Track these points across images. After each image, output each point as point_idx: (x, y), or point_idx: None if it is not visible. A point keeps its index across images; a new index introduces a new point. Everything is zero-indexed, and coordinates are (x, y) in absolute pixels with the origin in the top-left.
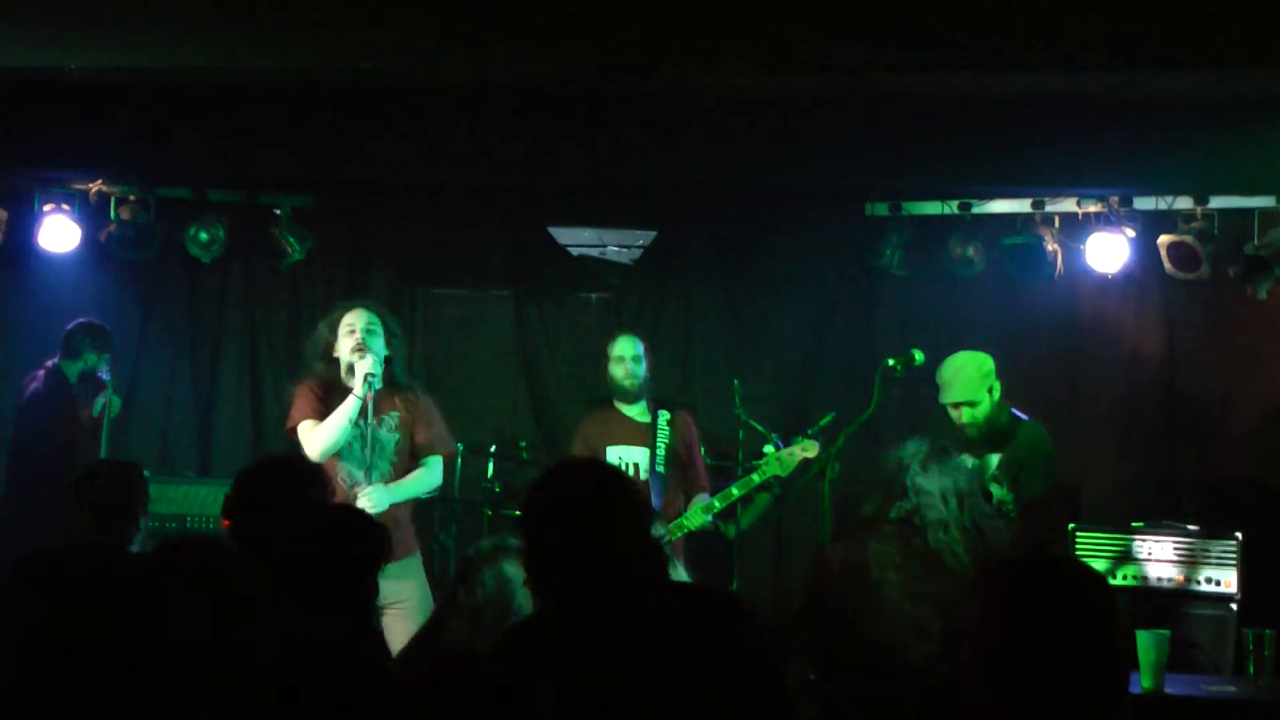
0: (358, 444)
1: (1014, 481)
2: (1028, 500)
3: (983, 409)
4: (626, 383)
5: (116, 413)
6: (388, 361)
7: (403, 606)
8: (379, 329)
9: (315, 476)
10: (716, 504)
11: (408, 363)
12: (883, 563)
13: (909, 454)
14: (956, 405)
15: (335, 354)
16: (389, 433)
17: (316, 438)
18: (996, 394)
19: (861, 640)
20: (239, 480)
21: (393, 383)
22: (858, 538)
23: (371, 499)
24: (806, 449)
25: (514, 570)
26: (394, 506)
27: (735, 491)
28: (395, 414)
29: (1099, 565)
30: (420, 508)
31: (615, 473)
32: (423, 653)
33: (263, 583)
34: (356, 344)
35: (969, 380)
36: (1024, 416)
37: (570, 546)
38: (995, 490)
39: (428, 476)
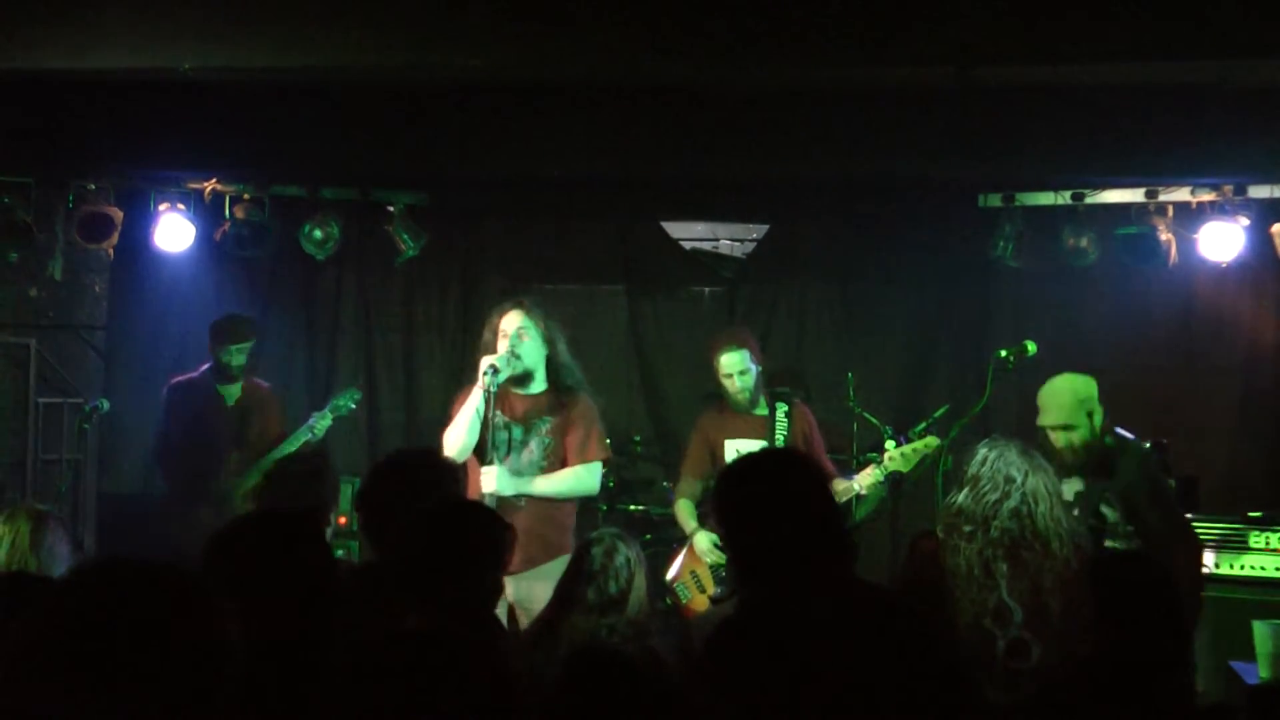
0: (503, 447)
1: (1127, 507)
2: (1176, 524)
3: (1080, 434)
4: (740, 397)
5: (319, 435)
6: (548, 360)
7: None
8: (532, 330)
9: (449, 472)
10: (856, 486)
11: (574, 361)
12: (955, 554)
13: (1001, 448)
14: (1053, 429)
15: None
16: (538, 437)
17: (448, 436)
18: (1098, 420)
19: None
20: (373, 472)
21: (556, 385)
22: (937, 532)
23: (487, 479)
24: (929, 445)
25: (632, 555)
26: (554, 508)
27: (856, 488)
28: (548, 419)
29: (1215, 554)
30: None
31: (813, 466)
32: (541, 651)
33: (383, 577)
34: (508, 350)
35: (1066, 404)
36: (1131, 436)
37: (774, 543)
38: (1107, 513)
39: (575, 481)
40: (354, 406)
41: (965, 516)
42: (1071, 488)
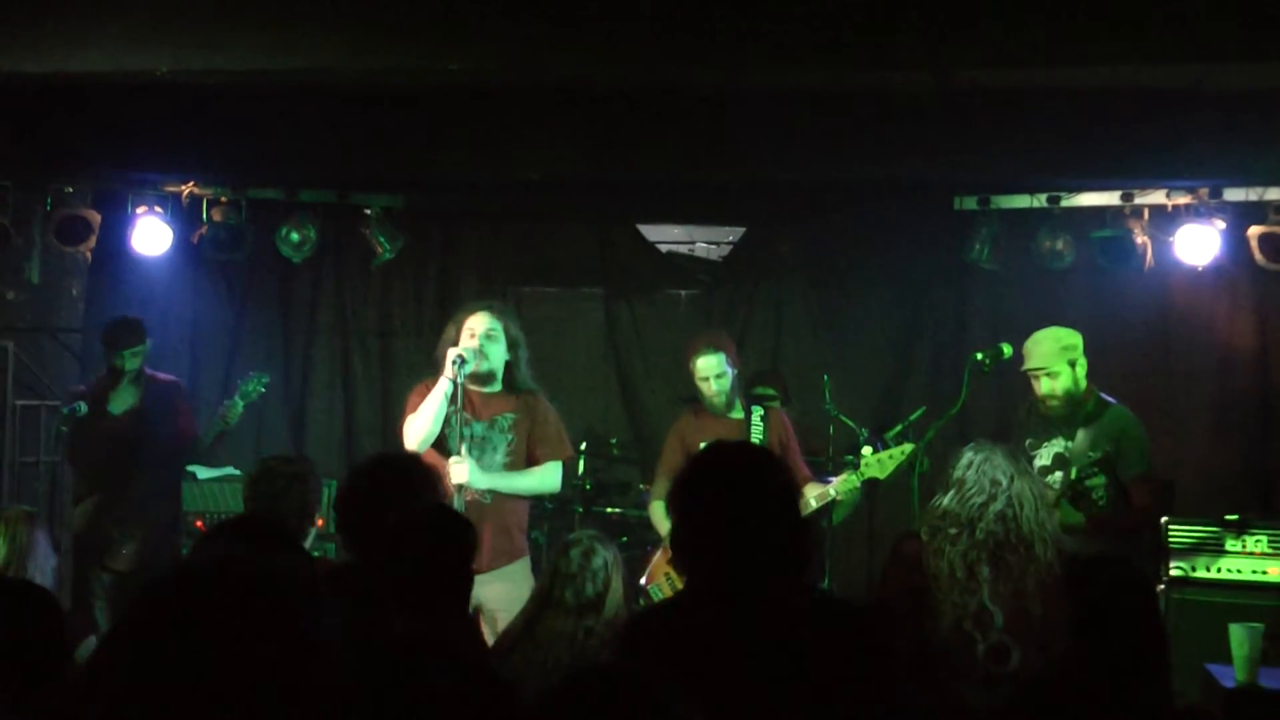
0: (465, 443)
1: (1106, 469)
2: (1136, 474)
3: (1062, 381)
4: (716, 400)
5: (233, 422)
6: (508, 365)
7: (506, 612)
8: (500, 334)
9: (427, 477)
10: (832, 492)
11: (530, 367)
12: (939, 557)
13: (987, 451)
14: (1036, 374)
15: None
16: (501, 433)
17: (410, 427)
18: (1080, 370)
19: (926, 636)
20: (351, 476)
21: (513, 386)
22: (921, 535)
23: (457, 470)
24: (905, 451)
25: (610, 557)
26: (511, 512)
27: (831, 493)
28: (510, 415)
29: (1193, 558)
30: None
31: (780, 468)
32: (519, 653)
33: (365, 581)
34: (474, 349)
35: (1048, 350)
36: (1112, 400)
37: (712, 530)
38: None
39: (541, 478)
40: (263, 390)
41: (950, 519)
42: (1052, 449)
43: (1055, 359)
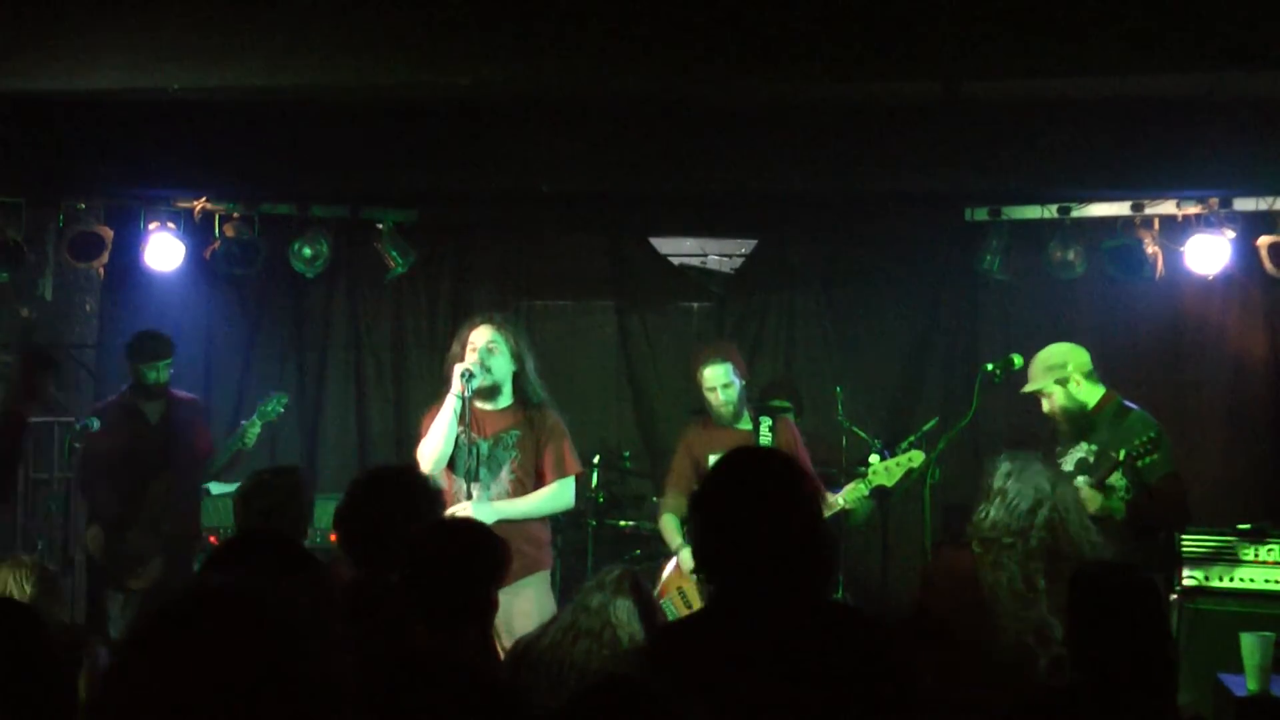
0: (471, 461)
1: (1130, 468)
2: (1162, 474)
3: (1058, 398)
4: (723, 410)
5: (250, 444)
6: (515, 377)
7: (522, 624)
8: (502, 346)
9: (427, 489)
10: (841, 501)
11: (539, 379)
12: (997, 569)
13: (1024, 460)
14: (1035, 396)
15: None
16: (505, 450)
17: (422, 447)
18: (1074, 387)
19: (980, 650)
20: (351, 490)
21: (522, 400)
22: (974, 548)
23: (465, 511)
24: (913, 459)
25: (625, 612)
26: (530, 524)
27: (840, 502)
28: (515, 432)
29: (1205, 567)
30: None
31: (793, 465)
32: (525, 670)
33: (378, 595)
34: (475, 363)
35: (1036, 373)
36: (1134, 406)
37: (738, 538)
38: (1113, 478)
39: (550, 498)
40: (282, 411)
41: (1002, 529)
42: (1076, 455)
43: (1042, 380)
